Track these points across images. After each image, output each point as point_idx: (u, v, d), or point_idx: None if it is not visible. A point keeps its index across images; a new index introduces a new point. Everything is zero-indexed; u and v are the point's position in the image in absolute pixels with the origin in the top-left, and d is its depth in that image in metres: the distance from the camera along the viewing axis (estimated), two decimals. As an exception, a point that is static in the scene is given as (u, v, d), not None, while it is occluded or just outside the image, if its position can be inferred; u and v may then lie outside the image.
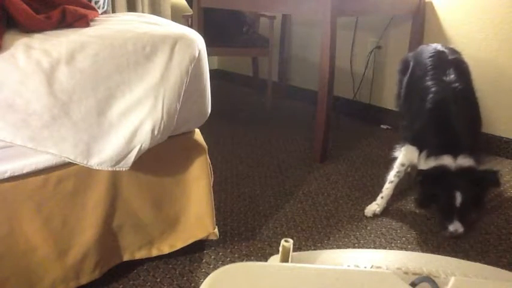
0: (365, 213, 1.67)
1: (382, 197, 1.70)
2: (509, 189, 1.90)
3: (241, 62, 3.72)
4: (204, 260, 1.36)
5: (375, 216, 1.66)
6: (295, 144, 2.38)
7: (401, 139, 1.75)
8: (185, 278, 1.27)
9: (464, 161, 1.49)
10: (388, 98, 2.70)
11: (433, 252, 1.44)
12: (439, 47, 1.79)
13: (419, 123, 1.63)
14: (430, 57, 1.73)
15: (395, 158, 1.75)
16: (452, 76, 1.62)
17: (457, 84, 1.60)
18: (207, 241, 1.43)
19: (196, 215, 1.31)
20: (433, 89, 1.61)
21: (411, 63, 1.84)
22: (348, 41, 2.88)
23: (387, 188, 1.70)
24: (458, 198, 1.45)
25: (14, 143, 0.97)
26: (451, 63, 1.68)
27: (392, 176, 1.70)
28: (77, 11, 1.16)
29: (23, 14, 1.08)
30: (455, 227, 1.47)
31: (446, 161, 1.49)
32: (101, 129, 1.05)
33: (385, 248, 1.47)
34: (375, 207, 1.68)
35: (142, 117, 1.09)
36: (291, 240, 0.67)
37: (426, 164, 1.55)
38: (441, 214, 1.55)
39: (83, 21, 1.16)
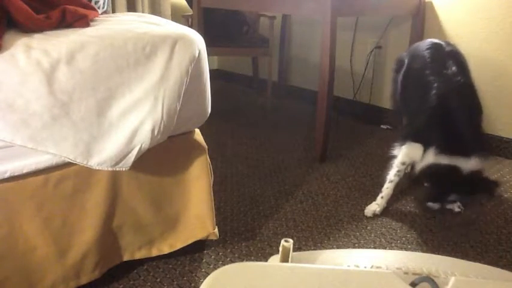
0: (365, 213, 1.67)
1: (382, 197, 1.70)
2: (509, 189, 1.90)
3: (241, 62, 3.72)
4: (204, 260, 1.36)
5: (375, 216, 1.66)
6: (295, 144, 2.38)
7: (400, 137, 1.74)
8: (185, 278, 1.27)
9: (474, 164, 1.50)
10: (388, 98, 2.70)
11: (433, 252, 1.44)
12: (434, 40, 1.78)
13: (422, 120, 1.62)
14: (427, 49, 1.72)
15: (394, 157, 1.74)
16: (453, 68, 1.61)
17: (459, 78, 1.58)
18: (207, 241, 1.43)
19: (196, 215, 1.31)
20: (435, 84, 1.59)
21: (406, 61, 1.83)
22: (348, 41, 2.87)
23: (387, 188, 1.70)
24: (466, 198, 1.54)
25: (14, 143, 0.97)
26: (449, 54, 1.68)
27: (392, 176, 1.70)
28: (77, 11, 1.16)
29: (23, 14, 1.08)
30: (452, 207, 1.59)
31: (460, 162, 1.49)
32: (101, 129, 1.05)
33: (385, 248, 1.47)
34: (374, 207, 1.68)
35: (142, 117, 1.09)
36: (291, 240, 0.67)
37: (437, 160, 1.54)
38: (439, 194, 1.61)
39: (83, 21, 1.16)
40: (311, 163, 2.13)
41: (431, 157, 1.55)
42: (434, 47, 1.72)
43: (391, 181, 1.69)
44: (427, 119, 1.60)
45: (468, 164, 1.49)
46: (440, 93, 1.57)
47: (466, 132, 1.52)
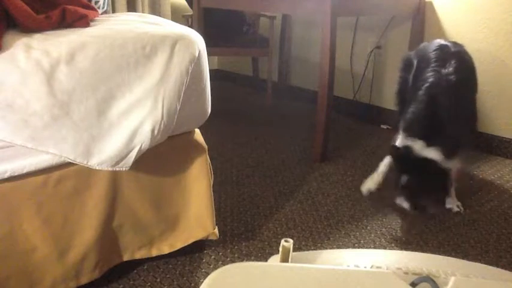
0: (361, 190, 1.80)
1: (377, 174, 1.80)
2: (509, 190, 1.90)
3: (241, 62, 3.72)
4: (204, 260, 1.36)
5: (370, 193, 1.75)
6: (295, 144, 2.38)
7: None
8: (185, 278, 1.27)
9: (431, 153, 1.55)
10: (388, 98, 2.70)
11: (433, 252, 1.44)
12: (442, 41, 1.82)
13: (410, 111, 1.68)
14: (434, 50, 1.77)
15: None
16: (450, 69, 1.65)
17: (452, 77, 1.62)
18: (207, 241, 1.43)
19: (196, 215, 1.31)
20: (429, 80, 1.65)
21: (415, 61, 1.86)
22: (348, 41, 2.87)
23: (383, 165, 1.80)
24: (404, 180, 1.57)
25: (14, 143, 0.97)
26: (453, 55, 1.72)
27: (385, 161, 1.81)
28: (77, 11, 1.16)
29: (23, 14, 1.08)
30: (400, 201, 1.61)
31: (416, 145, 1.57)
32: (101, 129, 1.05)
33: (385, 248, 1.47)
34: (369, 183, 1.79)
35: (142, 117, 1.09)
36: (291, 240, 0.67)
37: (403, 143, 1.63)
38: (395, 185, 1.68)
39: (83, 21, 1.16)
40: (311, 163, 2.13)
41: (400, 141, 1.65)
42: (441, 48, 1.77)
43: (385, 165, 1.80)
44: (414, 110, 1.66)
45: (426, 151, 1.55)
46: (429, 89, 1.63)
47: (441, 128, 1.57)
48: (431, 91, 1.62)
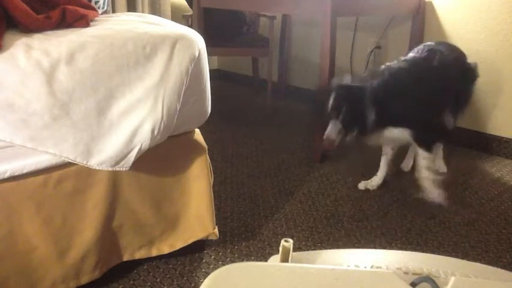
0: (358, 186, 1.86)
1: (378, 177, 1.87)
2: (509, 190, 1.90)
3: (241, 62, 3.72)
4: (204, 260, 1.36)
5: (367, 191, 1.83)
6: (295, 144, 2.38)
7: None
8: (185, 278, 1.27)
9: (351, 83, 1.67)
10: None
11: (433, 252, 1.44)
12: (433, 42, 1.87)
13: None
14: (420, 47, 1.83)
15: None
16: (418, 59, 1.72)
17: (415, 67, 1.69)
18: (207, 241, 1.43)
19: (196, 215, 1.31)
20: (389, 63, 1.72)
21: None
22: (348, 41, 2.87)
23: (382, 167, 1.87)
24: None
25: (14, 143, 0.97)
26: (431, 50, 1.76)
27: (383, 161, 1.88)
28: (77, 11, 1.16)
29: (22, 14, 1.08)
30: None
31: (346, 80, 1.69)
32: (101, 129, 1.05)
33: (385, 248, 1.47)
34: (368, 182, 1.86)
35: (142, 117, 1.09)
36: (291, 240, 0.67)
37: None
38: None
39: (83, 21, 1.16)
40: (311, 163, 2.13)
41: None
42: (424, 45, 1.83)
43: (384, 165, 1.89)
44: None
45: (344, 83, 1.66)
46: (383, 69, 1.69)
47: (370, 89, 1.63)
48: (385, 71, 1.67)
